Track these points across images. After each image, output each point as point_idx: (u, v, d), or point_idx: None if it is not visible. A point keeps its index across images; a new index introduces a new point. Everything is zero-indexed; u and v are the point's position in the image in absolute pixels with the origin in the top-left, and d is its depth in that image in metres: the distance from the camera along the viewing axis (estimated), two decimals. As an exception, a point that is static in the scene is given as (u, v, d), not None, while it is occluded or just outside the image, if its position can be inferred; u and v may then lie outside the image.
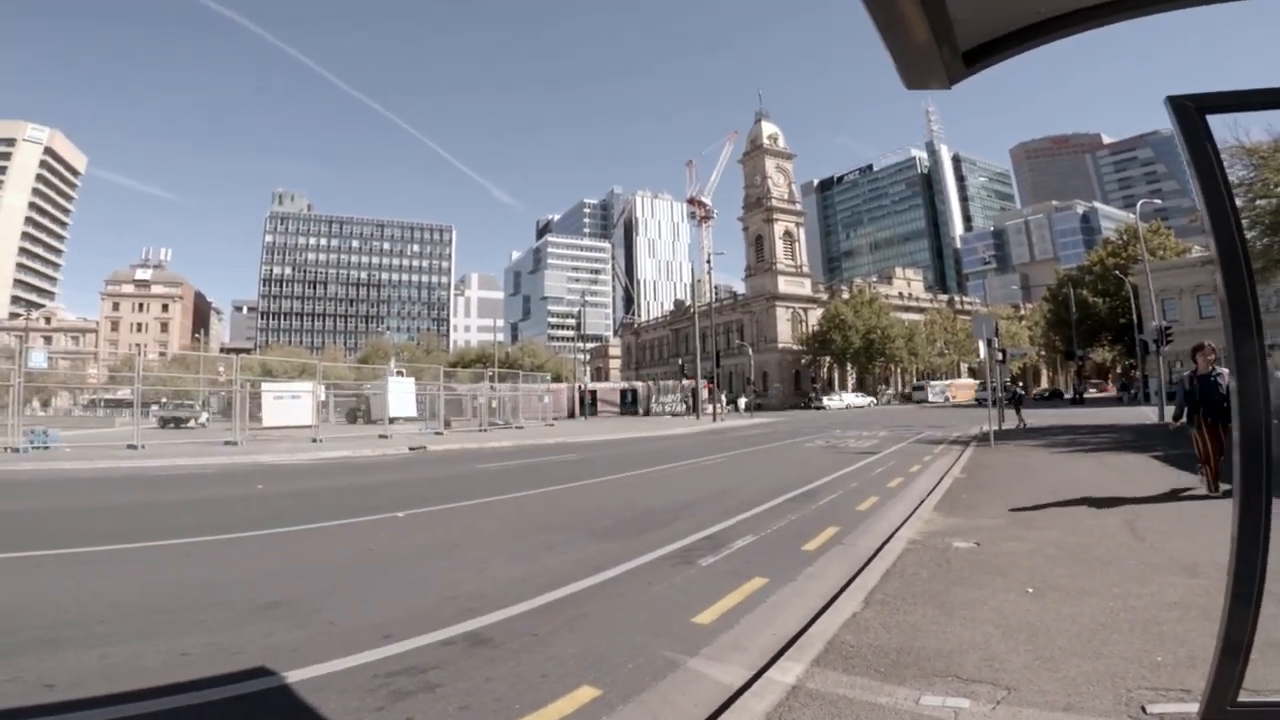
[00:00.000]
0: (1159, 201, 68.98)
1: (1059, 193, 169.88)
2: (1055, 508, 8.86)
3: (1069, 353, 65.31)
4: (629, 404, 65.68)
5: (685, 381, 60.82)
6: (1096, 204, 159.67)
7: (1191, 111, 1.59)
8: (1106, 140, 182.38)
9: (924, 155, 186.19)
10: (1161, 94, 1.60)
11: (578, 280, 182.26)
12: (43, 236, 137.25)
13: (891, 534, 7.63)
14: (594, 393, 64.91)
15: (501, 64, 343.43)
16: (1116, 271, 57.69)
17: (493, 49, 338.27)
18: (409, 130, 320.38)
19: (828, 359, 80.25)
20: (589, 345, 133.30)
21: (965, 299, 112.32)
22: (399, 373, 41.22)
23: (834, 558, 6.90)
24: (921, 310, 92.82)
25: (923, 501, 9.90)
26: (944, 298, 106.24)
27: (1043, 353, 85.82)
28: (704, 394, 52.71)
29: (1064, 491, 10.14)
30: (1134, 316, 47.28)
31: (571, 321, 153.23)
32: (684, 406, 63.42)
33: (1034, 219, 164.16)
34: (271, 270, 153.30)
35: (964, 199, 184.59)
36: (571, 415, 57.51)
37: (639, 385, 70.06)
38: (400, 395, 33.09)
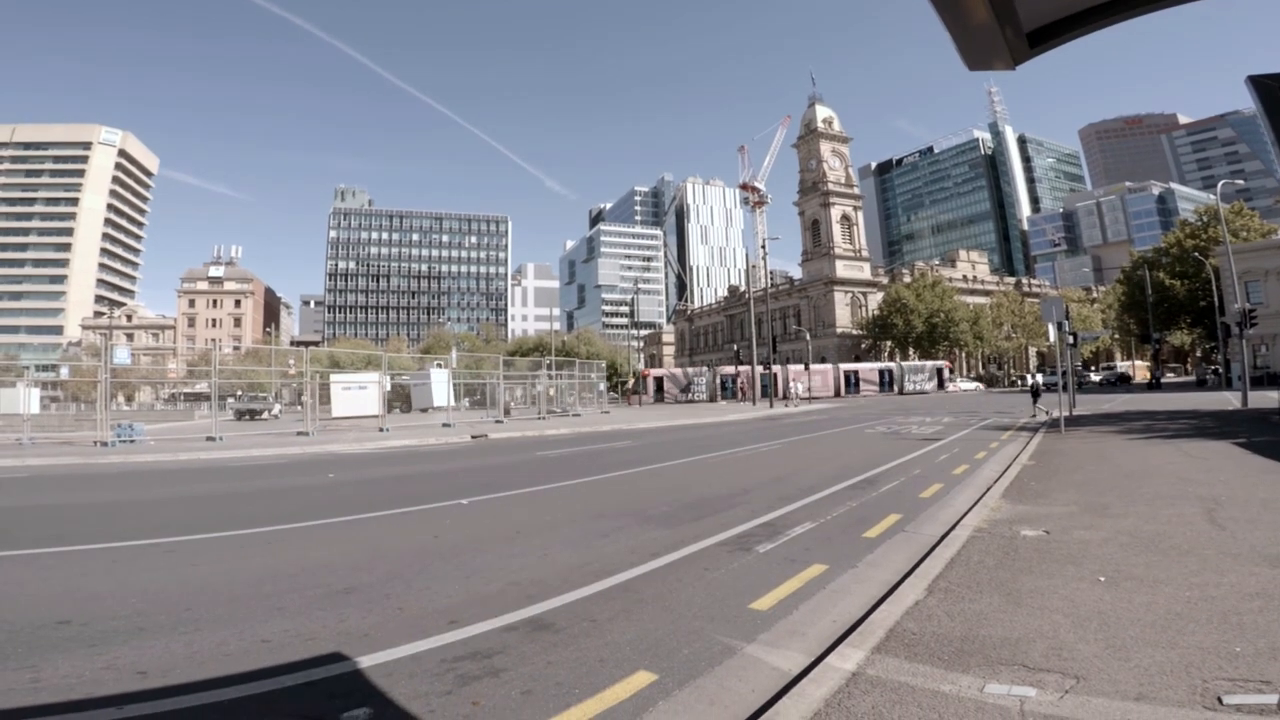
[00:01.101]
0: (1241, 182, 65.05)
1: (1132, 174, 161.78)
2: (1130, 495, 8.51)
3: (1145, 336, 62.21)
4: (886, 385, 68.39)
5: (743, 368, 60.85)
6: (1173, 185, 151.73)
7: (1275, 90, 1.52)
8: (1183, 120, 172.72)
9: (987, 136, 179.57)
10: (1239, 72, 1.54)
11: (630, 268, 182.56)
12: (121, 237, 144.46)
13: (956, 521, 7.47)
14: (856, 373, 68.63)
15: (553, 58, 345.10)
16: (1196, 253, 54.78)
17: (545, 44, 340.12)
18: (464, 125, 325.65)
19: (889, 344, 78.45)
20: (643, 332, 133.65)
21: (1033, 281, 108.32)
22: (439, 365, 42.23)
23: (896, 545, 6.81)
24: (987, 293, 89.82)
25: (989, 488, 9.64)
26: (1011, 280, 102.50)
27: (1116, 336, 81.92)
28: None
29: (1140, 479, 9.73)
30: (1215, 299, 44.82)
31: (625, 309, 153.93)
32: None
33: (1106, 200, 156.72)
34: (336, 265, 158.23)
35: (1031, 180, 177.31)
36: (836, 394, 64.08)
37: (892, 366, 71.27)
38: (439, 386, 33.12)
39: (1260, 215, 64.55)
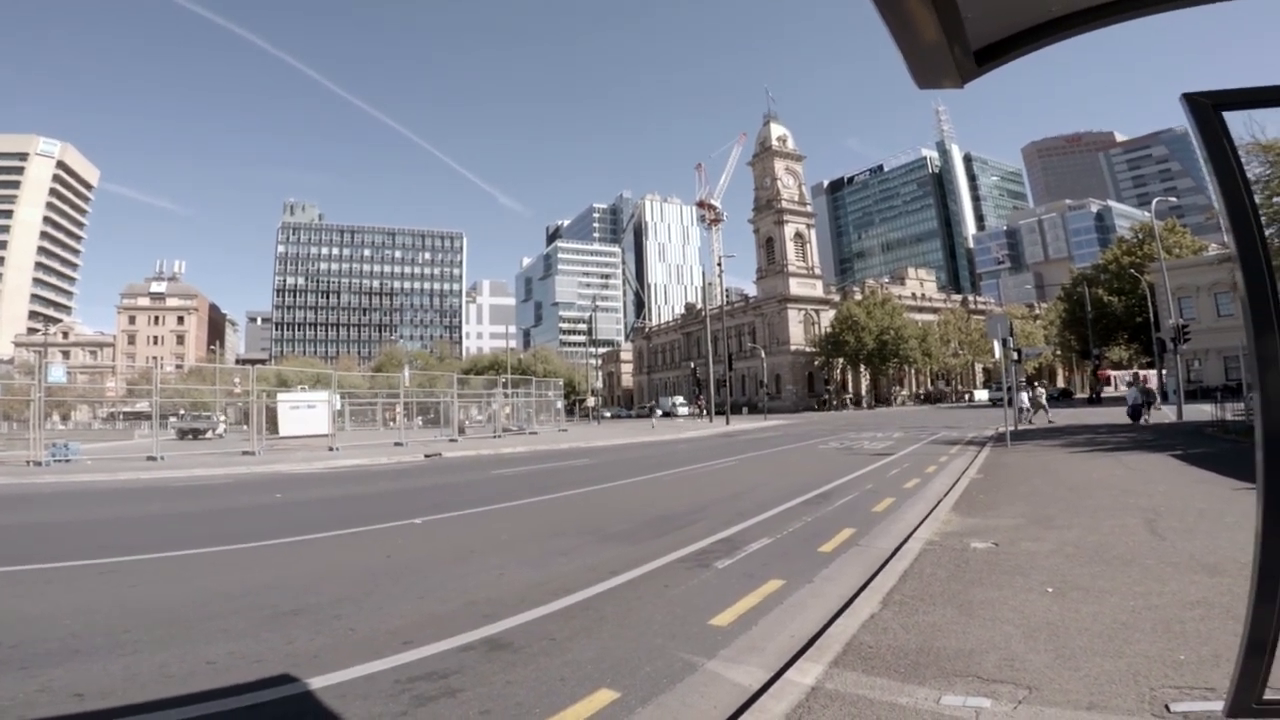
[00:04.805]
0: (1174, 199, 68.27)
1: (1072, 191, 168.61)
2: (1074, 507, 8.78)
3: (1085, 352, 64.67)
4: None
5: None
6: (1111, 202, 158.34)
7: (1208, 109, 1.58)
8: (1120, 138, 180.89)
9: (935, 155, 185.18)
10: (1174, 91, 1.60)
11: (589, 285, 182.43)
12: (58, 251, 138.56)
13: (909, 535, 7.60)
14: None
15: (506, 72, 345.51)
16: (1132, 270, 57.16)
17: (498, 58, 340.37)
18: (415, 139, 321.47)
19: (841, 361, 79.87)
20: (601, 350, 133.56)
21: (979, 299, 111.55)
22: (301, 387, 38.67)
23: (851, 559, 6.88)
24: (935, 311, 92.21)
25: (939, 502, 9.84)
26: (958, 298, 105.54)
27: (1058, 352, 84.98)
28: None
29: (1082, 491, 10.06)
30: (1151, 315, 46.88)
31: (583, 327, 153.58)
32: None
33: (1048, 218, 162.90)
34: (285, 281, 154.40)
35: (976, 198, 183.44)
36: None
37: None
38: (301, 412, 28.50)
39: (1192, 232, 67.17)
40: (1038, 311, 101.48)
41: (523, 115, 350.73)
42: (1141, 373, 52.21)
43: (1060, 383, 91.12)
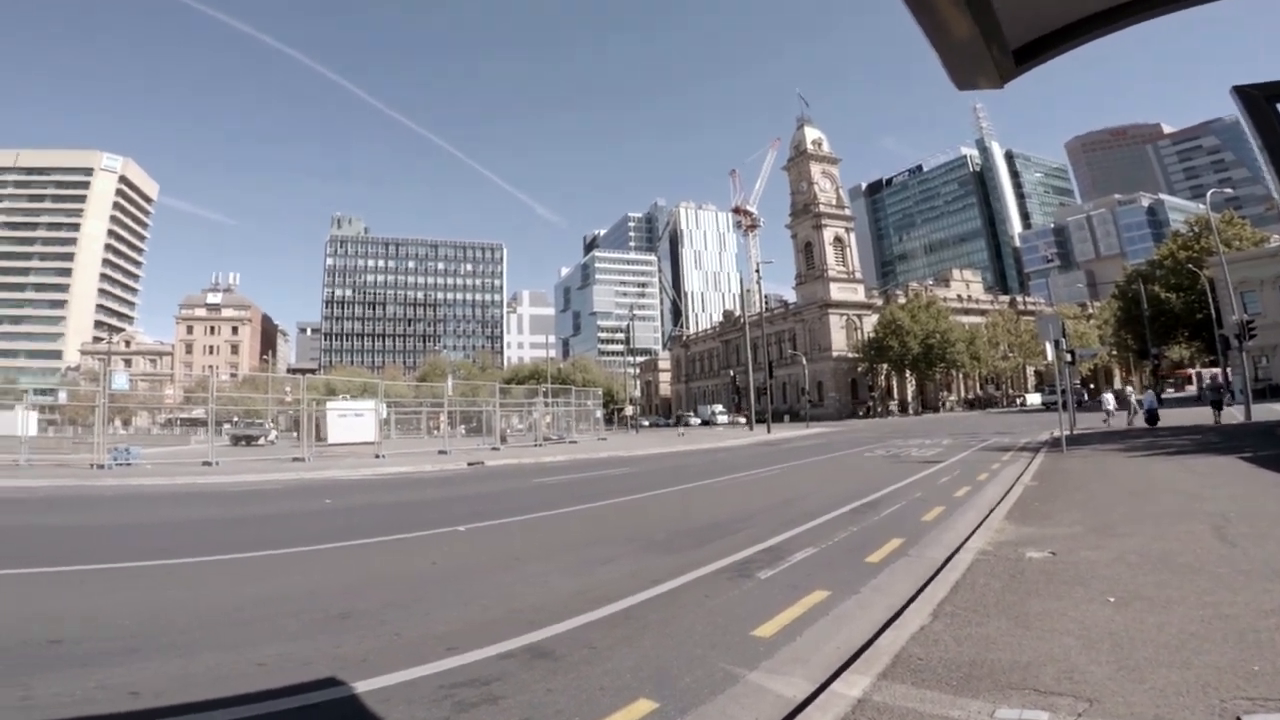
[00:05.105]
0: (1230, 190, 65.58)
1: (1121, 186, 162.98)
2: (1136, 514, 8.46)
3: (1143, 351, 62.24)
4: None
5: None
6: (1163, 196, 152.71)
7: (1260, 101, 1.52)
8: (1167, 129, 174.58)
9: (975, 153, 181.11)
10: (1220, 80, 1.54)
11: (625, 294, 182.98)
12: (121, 263, 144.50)
13: (960, 545, 7.40)
14: None
15: (540, 84, 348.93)
16: (1190, 265, 54.96)
17: (530, 71, 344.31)
18: (455, 152, 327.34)
19: (885, 366, 78.45)
20: (638, 359, 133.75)
21: (1028, 299, 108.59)
22: (344, 397, 39.57)
23: (899, 570, 6.73)
24: (982, 313, 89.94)
25: (992, 510, 9.57)
26: (1005, 299, 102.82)
27: (1114, 352, 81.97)
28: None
29: (1145, 497, 9.69)
30: (1212, 311, 44.98)
31: (621, 336, 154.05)
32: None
33: (1096, 214, 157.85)
34: (333, 292, 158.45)
35: (1020, 196, 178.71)
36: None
37: None
38: (349, 420, 29.47)
39: (1251, 223, 64.36)
40: (1090, 311, 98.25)
41: (557, 127, 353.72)
42: (1211, 370, 50.36)
43: (1116, 384, 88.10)
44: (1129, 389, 33.30)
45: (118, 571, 7.16)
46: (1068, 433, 20.17)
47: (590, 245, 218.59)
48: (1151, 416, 25.82)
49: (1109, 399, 28.21)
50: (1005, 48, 1.63)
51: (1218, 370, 48.17)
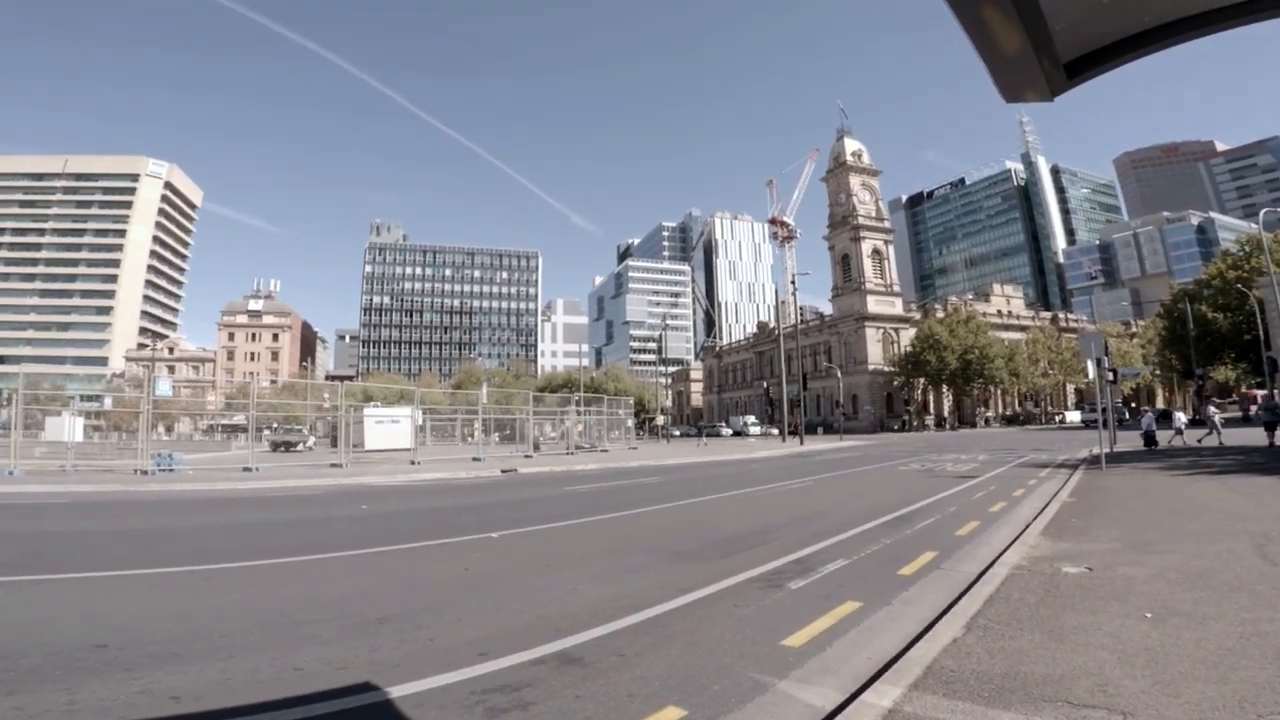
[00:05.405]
0: (1284, 209, 63.27)
1: (1170, 203, 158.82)
2: (1175, 532, 8.24)
3: (1187, 371, 60.39)
4: None
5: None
6: (1213, 214, 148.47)
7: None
8: (1221, 147, 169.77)
9: (1019, 167, 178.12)
10: (1276, 98, 1.53)
11: (658, 304, 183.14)
12: (165, 269, 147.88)
13: (995, 559, 7.30)
14: None
15: (577, 94, 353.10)
16: (1239, 285, 53.30)
17: (568, 83, 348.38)
18: (492, 160, 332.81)
19: (922, 381, 77.24)
20: (670, 369, 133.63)
21: (1070, 316, 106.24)
22: (375, 404, 40.20)
23: (932, 582, 6.66)
24: (1023, 329, 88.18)
25: (1028, 525, 9.40)
26: (1047, 315, 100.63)
27: (1158, 372, 79.61)
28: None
29: (1185, 515, 9.42)
30: (1260, 332, 43.47)
31: (653, 345, 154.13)
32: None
33: (1143, 231, 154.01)
34: (371, 299, 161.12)
35: (1065, 212, 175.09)
36: None
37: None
38: (385, 426, 29.81)
39: (1305, 245, 62.36)
40: (1134, 329, 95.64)
41: (593, 136, 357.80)
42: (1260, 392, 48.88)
43: (1160, 404, 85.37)
44: (1211, 408, 32.37)
45: (159, 576, 7.32)
46: (1107, 450, 19.65)
47: (624, 254, 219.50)
48: (1149, 438, 25.47)
49: (1180, 417, 27.77)
50: (1057, 61, 1.64)
51: (1262, 392, 46.65)
